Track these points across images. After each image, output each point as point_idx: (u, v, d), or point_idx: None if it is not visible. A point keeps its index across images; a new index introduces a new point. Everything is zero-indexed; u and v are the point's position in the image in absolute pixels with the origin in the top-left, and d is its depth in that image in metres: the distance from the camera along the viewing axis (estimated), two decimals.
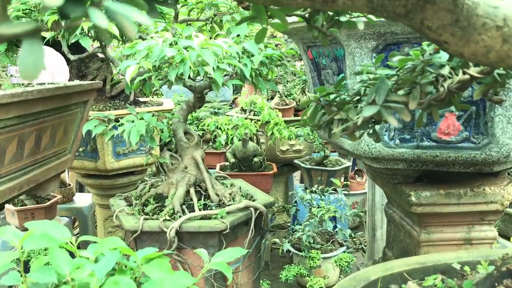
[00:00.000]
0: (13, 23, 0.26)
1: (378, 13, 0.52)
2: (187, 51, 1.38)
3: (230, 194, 1.99)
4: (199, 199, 1.97)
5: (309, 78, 1.79)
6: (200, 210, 1.88)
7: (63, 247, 0.88)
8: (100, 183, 2.84)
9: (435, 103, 0.72)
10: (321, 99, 0.82)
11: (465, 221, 1.62)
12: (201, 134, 4.15)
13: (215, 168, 3.54)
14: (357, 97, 0.76)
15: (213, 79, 1.44)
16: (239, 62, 1.46)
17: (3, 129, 1.57)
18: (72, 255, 0.86)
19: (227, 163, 3.55)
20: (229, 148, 3.52)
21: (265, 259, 3.22)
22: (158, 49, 1.35)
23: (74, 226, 3.63)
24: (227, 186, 2.13)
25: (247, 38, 1.78)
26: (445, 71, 0.65)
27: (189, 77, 1.43)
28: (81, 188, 4.10)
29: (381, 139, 1.45)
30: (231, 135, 3.29)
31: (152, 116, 1.74)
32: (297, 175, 4.95)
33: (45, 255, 2.19)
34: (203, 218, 1.84)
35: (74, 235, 1.66)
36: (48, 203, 2.98)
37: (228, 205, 1.92)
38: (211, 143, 4.50)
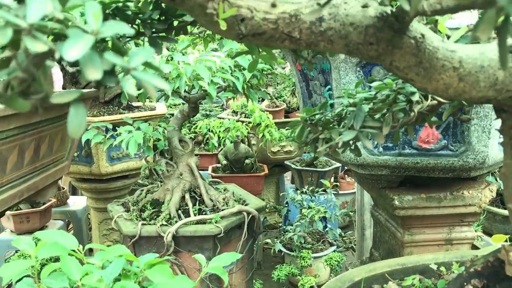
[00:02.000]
0: (62, 93, 0.34)
1: (353, 55, 0.61)
2: (182, 63, 1.46)
3: (223, 199, 2.06)
4: (194, 204, 2.03)
5: (298, 87, 1.88)
6: (195, 215, 1.94)
7: (72, 255, 0.95)
8: (94, 187, 2.89)
9: (409, 124, 0.81)
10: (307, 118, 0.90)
11: (446, 223, 1.72)
12: (193, 137, 4.21)
13: (207, 170, 3.58)
14: (339, 118, 0.85)
15: (207, 92, 1.52)
16: (232, 75, 1.55)
17: (5, 140, 1.63)
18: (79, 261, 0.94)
19: (219, 165, 3.60)
20: (221, 150, 3.56)
21: (258, 259, 3.28)
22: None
23: (68, 229, 3.67)
24: (220, 191, 2.20)
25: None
26: (415, 97, 0.74)
27: (184, 91, 1.51)
28: (74, 191, 4.13)
29: (364, 149, 1.54)
30: (222, 137, 3.35)
31: (149, 125, 1.81)
32: (288, 175, 5.01)
33: (42, 261, 2.25)
34: (198, 222, 1.90)
35: None
36: (42, 207, 3.00)
37: (222, 210, 1.98)
38: (203, 145, 4.56)
